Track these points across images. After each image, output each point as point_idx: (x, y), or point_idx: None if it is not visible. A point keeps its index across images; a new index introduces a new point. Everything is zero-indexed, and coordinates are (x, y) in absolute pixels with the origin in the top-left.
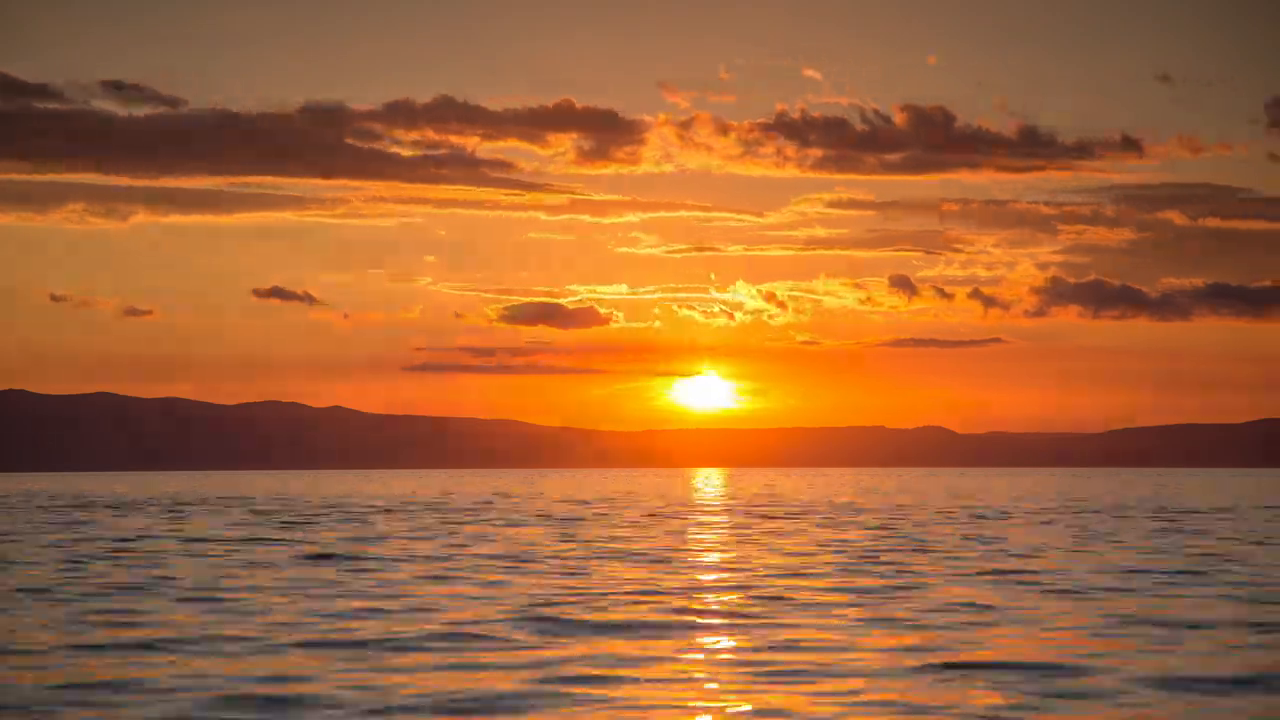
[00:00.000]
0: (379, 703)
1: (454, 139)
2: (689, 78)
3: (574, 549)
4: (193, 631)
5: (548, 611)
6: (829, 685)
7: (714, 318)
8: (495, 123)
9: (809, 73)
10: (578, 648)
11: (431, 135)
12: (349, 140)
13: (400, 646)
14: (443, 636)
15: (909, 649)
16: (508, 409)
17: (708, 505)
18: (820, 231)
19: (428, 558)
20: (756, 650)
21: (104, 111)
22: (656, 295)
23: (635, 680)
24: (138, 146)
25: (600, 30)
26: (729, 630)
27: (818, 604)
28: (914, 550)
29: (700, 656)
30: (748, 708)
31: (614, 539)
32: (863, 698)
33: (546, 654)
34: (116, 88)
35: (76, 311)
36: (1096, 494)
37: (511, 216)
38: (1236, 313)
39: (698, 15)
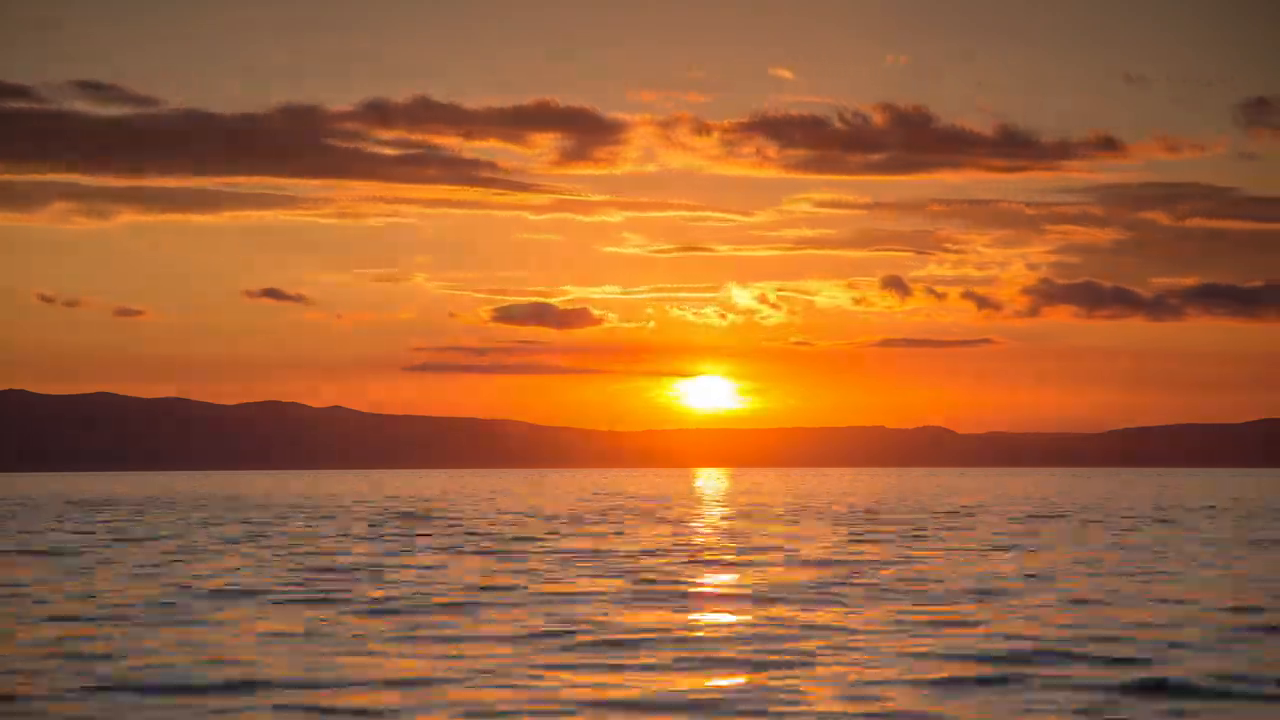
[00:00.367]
0: None
1: (433, 139)
2: (660, 78)
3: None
4: None
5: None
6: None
7: (707, 318)
8: (474, 122)
9: (779, 72)
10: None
11: (409, 135)
12: (328, 140)
13: None
14: None
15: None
16: (507, 409)
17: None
18: (808, 231)
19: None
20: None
21: (78, 112)
22: (648, 295)
23: None
24: (114, 147)
25: (573, 28)
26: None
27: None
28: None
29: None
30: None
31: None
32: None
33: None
34: (90, 88)
35: (67, 312)
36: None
37: (499, 216)
38: (1230, 312)
39: (665, 14)
